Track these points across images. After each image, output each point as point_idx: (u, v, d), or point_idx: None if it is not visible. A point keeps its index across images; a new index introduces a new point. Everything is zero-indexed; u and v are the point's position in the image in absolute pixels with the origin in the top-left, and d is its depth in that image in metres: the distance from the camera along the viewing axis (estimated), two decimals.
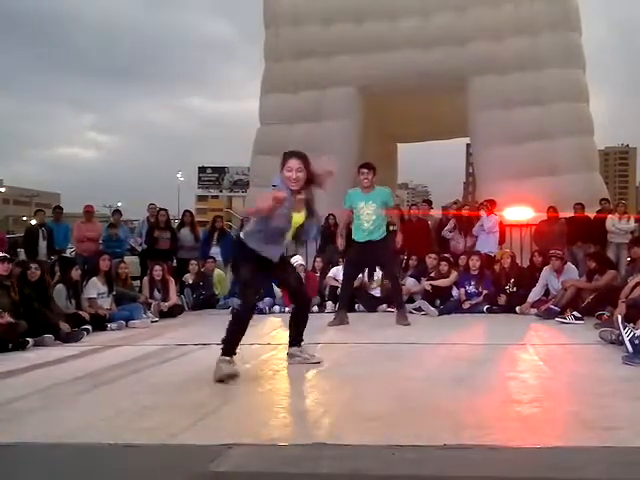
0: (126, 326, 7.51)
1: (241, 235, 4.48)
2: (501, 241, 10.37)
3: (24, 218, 48.12)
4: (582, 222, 10.67)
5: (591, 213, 10.99)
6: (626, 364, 4.45)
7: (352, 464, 2.48)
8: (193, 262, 9.76)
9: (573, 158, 12.14)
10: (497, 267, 9.02)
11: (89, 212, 10.97)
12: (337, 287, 8.53)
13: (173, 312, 8.61)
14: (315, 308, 8.64)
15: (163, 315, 8.44)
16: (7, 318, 5.85)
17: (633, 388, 3.78)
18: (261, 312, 8.69)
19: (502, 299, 8.48)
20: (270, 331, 6.80)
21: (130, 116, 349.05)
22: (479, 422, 3.02)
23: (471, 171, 75.48)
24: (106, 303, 7.77)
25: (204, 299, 9.56)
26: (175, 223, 12.01)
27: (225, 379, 4.04)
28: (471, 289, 8.67)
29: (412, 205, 13.77)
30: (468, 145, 47.28)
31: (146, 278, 9.13)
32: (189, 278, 9.62)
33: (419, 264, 9.53)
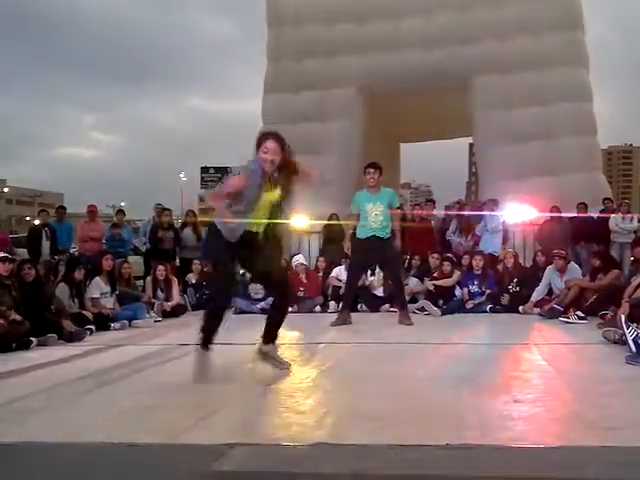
0: (129, 326, 7.53)
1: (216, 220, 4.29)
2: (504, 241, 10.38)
3: (27, 218, 48.27)
4: (585, 222, 10.65)
5: (594, 213, 10.97)
6: (629, 364, 4.44)
7: (354, 464, 2.47)
8: (196, 262, 9.76)
9: (576, 157, 12.12)
10: (500, 267, 9.00)
11: (92, 212, 10.99)
12: (340, 287, 8.53)
13: (176, 312, 8.63)
14: (318, 308, 8.66)
15: (166, 315, 8.46)
16: (14, 315, 5.87)
17: (636, 388, 3.78)
18: (264, 312, 8.71)
19: (505, 299, 8.47)
20: None
21: (133, 116, 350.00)
22: (482, 422, 3.01)
23: (474, 171, 75.46)
24: (109, 303, 7.79)
25: (207, 299, 9.55)
26: (178, 223, 12.02)
27: (198, 379, 4.05)
28: (474, 289, 8.65)
29: (415, 205, 13.76)
30: (471, 145, 47.24)
31: (149, 278, 9.14)
32: (192, 278, 9.63)
33: (422, 264, 9.52)
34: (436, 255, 9.22)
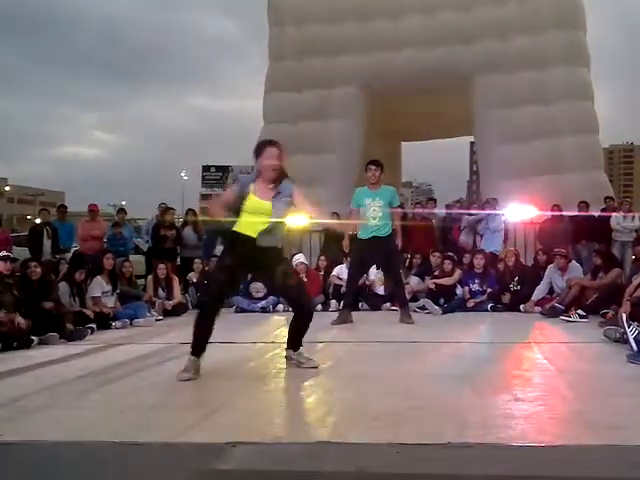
0: (130, 324, 7.53)
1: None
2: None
3: (28, 217, 48.28)
4: (586, 220, 10.65)
5: (596, 211, 10.96)
6: (631, 362, 4.44)
7: (356, 462, 2.47)
8: (197, 261, 9.77)
9: (578, 156, 12.12)
10: (501, 265, 9.00)
11: (93, 211, 10.99)
12: (341, 286, 8.53)
13: (177, 311, 8.63)
14: (319, 307, 8.65)
15: (167, 314, 8.46)
16: (18, 319, 5.87)
17: (637, 387, 3.78)
18: (265, 311, 8.72)
19: (506, 297, 8.48)
20: (274, 330, 6.81)
21: (134, 115, 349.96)
22: (483, 420, 3.01)
23: (475, 169, 75.41)
24: (110, 301, 7.79)
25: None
26: (179, 222, 12.01)
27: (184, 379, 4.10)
28: (475, 287, 8.66)
29: (417, 203, 13.76)
30: (472, 143, 47.24)
31: (150, 277, 9.14)
32: (193, 277, 9.63)
33: (423, 262, 9.52)
34: (437, 254, 9.22)
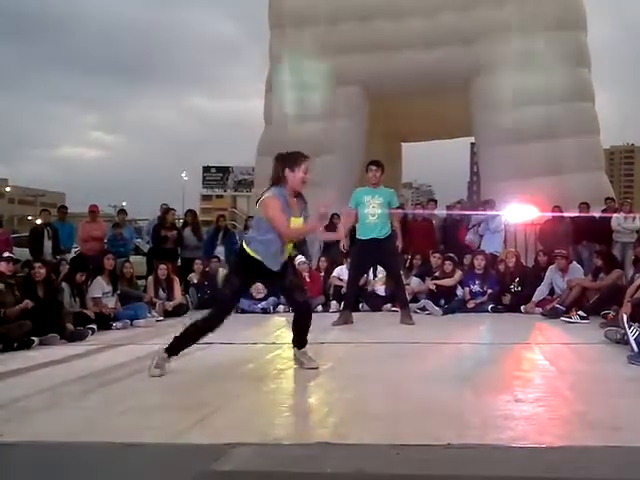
0: (131, 325, 7.53)
1: (244, 244, 4.35)
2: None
3: (29, 218, 48.23)
4: (587, 221, 10.64)
5: (596, 212, 10.95)
6: (631, 364, 4.44)
7: (356, 464, 2.47)
8: (198, 261, 9.77)
9: (578, 157, 12.10)
10: (502, 266, 8.99)
11: (93, 212, 10.99)
12: (341, 287, 8.53)
13: (178, 311, 8.62)
14: (319, 308, 8.65)
15: (168, 314, 8.46)
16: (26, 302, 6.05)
17: (638, 388, 3.78)
18: (265, 312, 8.72)
19: (507, 298, 8.47)
20: (275, 330, 6.81)
21: (135, 116, 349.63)
22: (483, 421, 3.01)
23: (475, 170, 75.43)
24: (111, 302, 7.79)
25: (209, 298, 9.55)
26: (179, 223, 12.02)
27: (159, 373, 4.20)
28: (476, 288, 8.65)
29: (417, 204, 13.77)
30: (472, 144, 47.27)
31: (151, 277, 9.14)
32: (194, 277, 9.63)
33: (423, 263, 9.52)
34: (438, 255, 9.21)
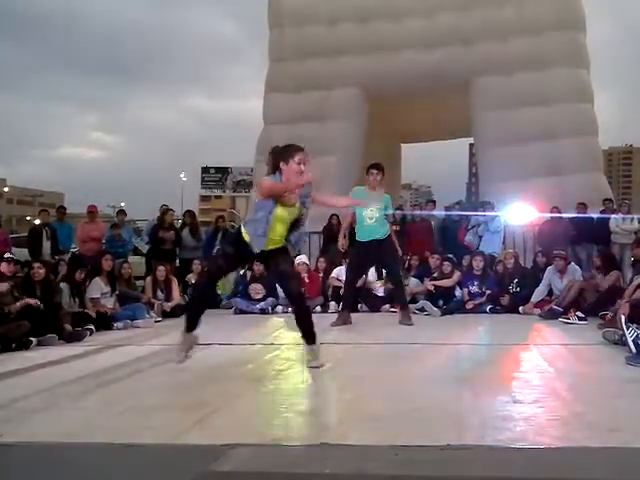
0: (130, 325, 7.52)
1: (242, 226, 4.51)
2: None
3: (28, 218, 48.25)
4: (585, 222, 10.65)
5: (595, 213, 10.97)
6: (629, 365, 4.43)
7: (355, 464, 2.47)
8: (196, 262, 9.77)
9: (577, 158, 12.13)
10: (500, 267, 9.00)
11: (92, 212, 11.00)
12: (340, 287, 8.52)
13: (176, 312, 8.61)
14: (318, 308, 8.65)
15: (166, 315, 8.46)
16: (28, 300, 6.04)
17: (636, 389, 3.78)
18: (264, 312, 8.71)
19: (505, 299, 8.47)
20: (273, 331, 6.81)
21: (134, 116, 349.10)
22: (482, 422, 3.01)
23: (475, 171, 75.43)
24: (109, 303, 7.79)
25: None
26: (178, 223, 12.02)
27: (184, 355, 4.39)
28: (474, 289, 8.65)
29: (415, 205, 13.79)
30: (471, 145, 47.25)
31: (149, 278, 9.14)
32: (192, 278, 9.62)
33: (422, 264, 9.52)
34: (436, 255, 9.22)
